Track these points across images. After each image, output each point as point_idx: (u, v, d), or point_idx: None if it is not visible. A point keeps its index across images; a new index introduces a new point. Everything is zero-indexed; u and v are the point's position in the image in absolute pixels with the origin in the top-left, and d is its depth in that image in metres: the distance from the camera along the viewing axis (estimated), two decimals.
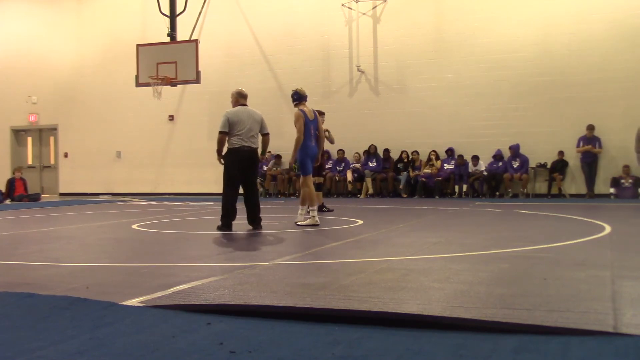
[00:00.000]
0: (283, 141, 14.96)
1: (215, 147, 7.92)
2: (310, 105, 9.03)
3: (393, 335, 2.91)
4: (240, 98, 8.01)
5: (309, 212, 8.58)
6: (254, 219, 7.89)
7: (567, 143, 15.21)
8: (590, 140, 15.00)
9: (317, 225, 8.23)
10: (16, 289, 3.98)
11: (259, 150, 8.07)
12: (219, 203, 8.01)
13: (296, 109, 8.66)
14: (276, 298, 3.63)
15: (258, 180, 17.50)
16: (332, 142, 11.80)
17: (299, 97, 8.72)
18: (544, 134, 15.56)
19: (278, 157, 17.54)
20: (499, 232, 7.58)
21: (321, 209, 10.85)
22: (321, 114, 10.89)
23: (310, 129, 8.61)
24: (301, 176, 8.82)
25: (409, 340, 2.83)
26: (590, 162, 14.99)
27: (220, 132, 7.76)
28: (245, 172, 7.83)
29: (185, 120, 18.93)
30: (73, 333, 2.99)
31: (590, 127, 14.96)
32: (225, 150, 7.90)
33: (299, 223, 8.36)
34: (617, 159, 14.94)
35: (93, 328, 3.07)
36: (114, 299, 3.62)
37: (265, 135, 8.05)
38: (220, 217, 7.82)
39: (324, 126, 11.14)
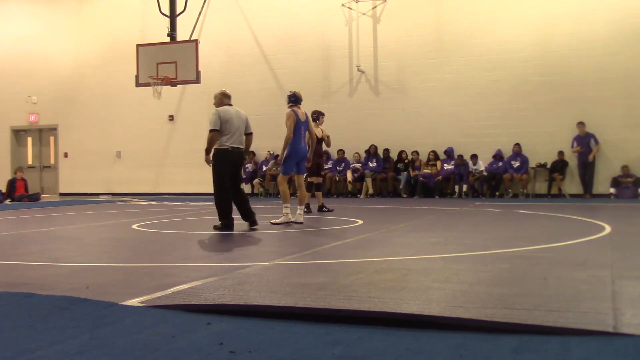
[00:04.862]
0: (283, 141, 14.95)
1: (204, 146, 7.78)
2: (310, 105, 9.13)
3: (393, 335, 2.91)
4: (225, 98, 7.99)
5: (300, 210, 8.76)
6: (248, 214, 7.85)
7: (567, 143, 15.21)
8: (583, 138, 14.95)
9: (290, 223, 8.35)
10: (16, 289, 3.98)
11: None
12: None
13: (288, 109, 8.78)
14: (276, 298, 3.63)
15: (258, 180, 17.66)
16: (328, 145, 11.86)
17: (295, 100, 8.90)
18: (544, 134, 15.56)
19: (278, 157, 17.52)
20: (499, 232, 7.58)
21: (321, 209, 10.91)
22: (321, 114, 10.99)
23: (301, 129, 8.77)
24: (280, 175, 9.03)
25: (409, 340, 2.83)
26: (585, 161, 14.95)
27: (212, 130, 7.65)
28: (234, 172, 7.85)
29: (185, 120, 18.93)
30: (73, 333, 2.99)
31: (581, 124, 14.93)
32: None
33: (273, 222, 8.48)
34: (617, 158, 14.93)
35: (93, 328, 3.07)
36: (114, 299, 3.62)
37: (249, 135, 8.00)
38: (218, 218, 7.82)
39: (324, 127, 11.24)
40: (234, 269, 4.76)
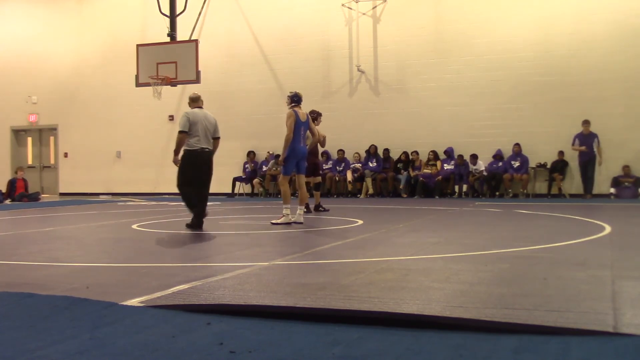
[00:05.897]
0: (283, 141, 14.95)
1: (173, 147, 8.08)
2: (310, 105, 9.16)
3: (393, 335, 2.91)
4: (192, 102, 8.28)
5: (300, 210, 8.80)
6: (201, 215, 8.03)
7: (567, 143, 15.19)
8: (587, 137, 14.91)
9: (290, 224, 8.38)
10: (16, 289, 3.98)
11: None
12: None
13: (289, 109, 8.81)
14: (276, 298, 3.63)
15: (258, 180, 17.65)
16: (322, 145, 11.90)
17: (297, 100, 8.96)
18: (544, 134, 15.56)
19: (278, 157, 17.51)
20: (499, 232, 7.58)
21: (317, 208, 10.95)
22: (319, 114, 11.00)
23: (301, 129, 8.83)
24: (280, 175, 9.14)
25: (409, 340, 2.83)
26: (586, 160, 14.91)
27: (181, 132, 7.97)
28: (200, 173, 8.02)
29: None
30: (73, 333, 2.99)
31: (586, 122, 14.87)
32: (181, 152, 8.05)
33: (273, 222, 8.52)
34: (617, 159, 14.91)
35: (93, 328, 3.07)
36: (114, 299, 3.62)
37: (216, 139, 8.21)
38: (192, 217, 8.09)
39: (321, 127, 11.24)
40: (234, 269, 4.76)
